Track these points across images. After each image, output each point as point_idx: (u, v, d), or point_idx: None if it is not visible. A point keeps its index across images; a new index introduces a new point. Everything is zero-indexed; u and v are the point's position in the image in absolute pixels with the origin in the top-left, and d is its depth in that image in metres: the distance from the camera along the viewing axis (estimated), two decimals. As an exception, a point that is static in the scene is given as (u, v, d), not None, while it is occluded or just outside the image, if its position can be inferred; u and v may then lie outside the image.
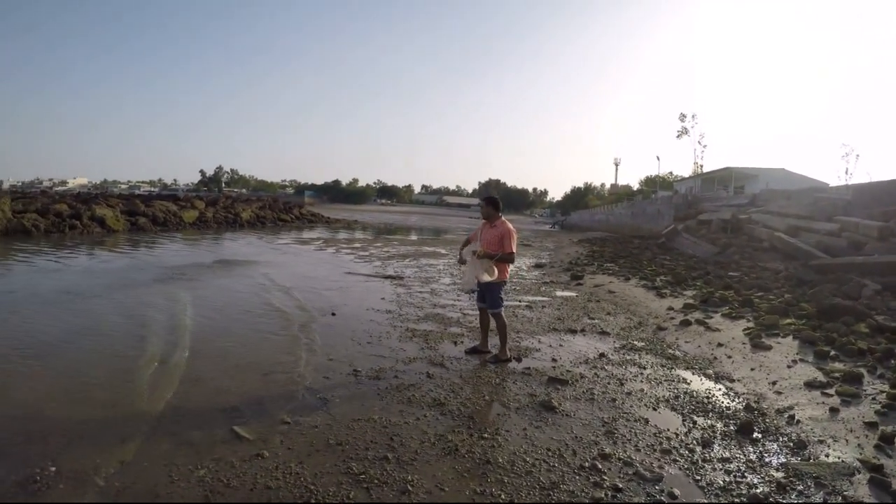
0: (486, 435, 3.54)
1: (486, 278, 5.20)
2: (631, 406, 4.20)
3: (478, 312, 5.81)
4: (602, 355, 5.64)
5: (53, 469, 2.92)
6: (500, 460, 3.20)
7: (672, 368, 5.31)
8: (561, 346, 6.08)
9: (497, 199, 5.69)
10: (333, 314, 7.32)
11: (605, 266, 14.19)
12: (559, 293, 9.95)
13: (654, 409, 4.16)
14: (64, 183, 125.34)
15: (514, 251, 5.39)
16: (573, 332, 6.79)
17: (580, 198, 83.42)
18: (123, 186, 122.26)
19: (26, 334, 5.77)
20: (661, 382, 4.83)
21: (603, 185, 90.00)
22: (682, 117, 57.58)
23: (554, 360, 5.45)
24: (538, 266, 14.74)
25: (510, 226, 5.46)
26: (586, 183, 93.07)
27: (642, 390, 4.58)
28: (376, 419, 3.73)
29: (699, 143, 58.82)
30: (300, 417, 3.73)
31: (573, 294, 9.88)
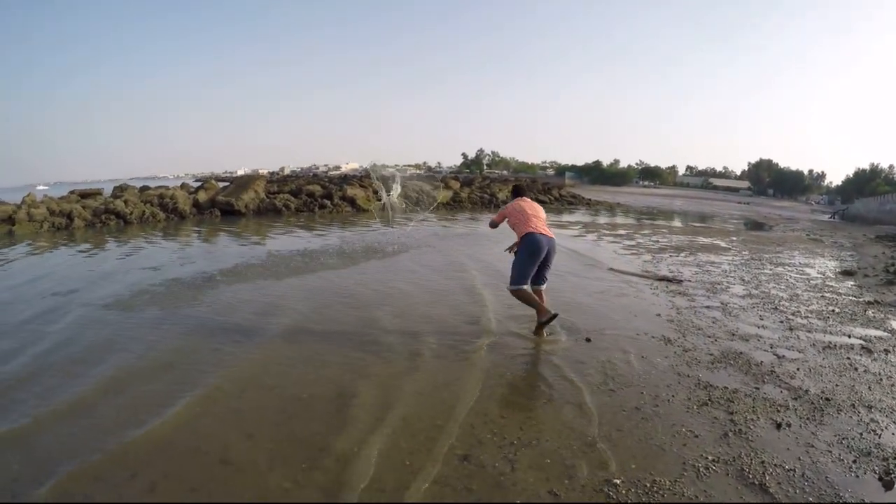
0: None
1: None
2: None
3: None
4: None
5: None
6: None
7: None
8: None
9: (516, 186, 6.37)
10: (588, 339, 5.59)
11: (937, 281, 9.75)
12: (900, 325, 6.60)
13: None
14: (337, 168, 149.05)
15: (493, 217, 6.04)
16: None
17: (865, 182, 74.92)
18: (391, 169, 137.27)
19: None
20: None
21: (892, 166, 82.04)
22: None
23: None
24: (848, 273, 10.75)
25: (509, 205, 5.89)
26: (872, 164, 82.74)
27: None
28: None
29: None
30: None
31: (922, 330, 6.42)
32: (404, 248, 12.37)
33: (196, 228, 16.82)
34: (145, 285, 8.02)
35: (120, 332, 5.82)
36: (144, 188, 23.41)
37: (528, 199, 5.92)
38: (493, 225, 6.00)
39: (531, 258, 5.47)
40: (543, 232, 5.55)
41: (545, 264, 5.63)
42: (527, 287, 5.54)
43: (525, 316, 6.06)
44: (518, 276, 5.49)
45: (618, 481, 3.03)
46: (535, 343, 5.48)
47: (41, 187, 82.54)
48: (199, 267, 9.59)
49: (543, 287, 5.71)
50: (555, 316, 5.49)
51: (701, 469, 3.18)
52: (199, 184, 26.85)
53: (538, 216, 5.70)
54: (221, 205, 20.76)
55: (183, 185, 24.92)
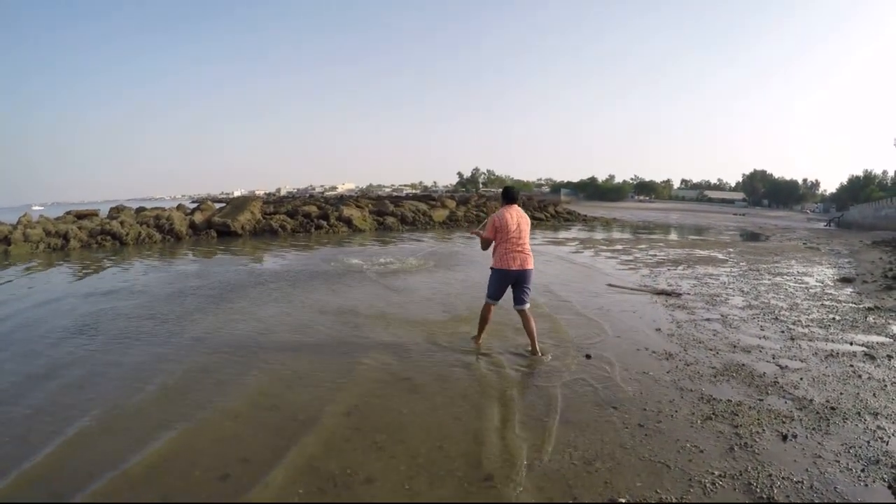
0: None
1: None
2: None
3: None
4: None
5: None
6: None
7: None
8: None
9: (506, 191, 5.95)
10: (588, 356, 5.48)
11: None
12: (900, 330, 6.60)
13: None
14: (334, 188, 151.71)
15: (482, 234, 5.79)
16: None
17: (859, 189, 75.98)
18: (387, 189, 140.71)
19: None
20: None
21: (885, 172, 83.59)
22: None
23: None
24: (846, 280, 10.80)
25: (497, 213, 5.67)
26: (866, 171, 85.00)
27: None
28: None
29: None
30: None
31: (921, 335, 6.43)
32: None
33: (192, 249, 16.78)
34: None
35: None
36: (141, 209, 23.37)
37: (517, 209, 5.70)
38: (486, 246, 5.72)
39: (499, 283, 5.62)
40: (514, 267, 5.51)
41: (519, 288, 5.57)
42: (494, 306, 5.78)
43: (524, 340, 5.85)
44: (489, 293, 5.70)
45: (623, 500, 2.96)
46: (535, 361, 5.42)
47: (37, 208, 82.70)
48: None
49: (526, 307, 5.56)
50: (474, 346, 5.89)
51: (707, 484, 3.12)
52: (195, 205, 26.85)
53: (521, 237, 5.56)
54: (218, 226, 20.75)
55: (179, 207, 24.87)
